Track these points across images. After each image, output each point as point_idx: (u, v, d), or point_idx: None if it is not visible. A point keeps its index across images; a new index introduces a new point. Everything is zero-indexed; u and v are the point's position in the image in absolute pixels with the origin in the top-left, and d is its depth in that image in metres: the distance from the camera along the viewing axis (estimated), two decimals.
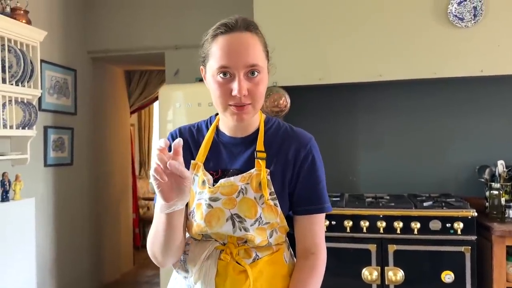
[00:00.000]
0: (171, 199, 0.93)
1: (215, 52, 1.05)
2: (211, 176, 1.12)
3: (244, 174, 1.10)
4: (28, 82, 2.72)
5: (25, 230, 2.77)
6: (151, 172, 0.89)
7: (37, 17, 3.03)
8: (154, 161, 0.89)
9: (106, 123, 4.23)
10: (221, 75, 1.04)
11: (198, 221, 1.10)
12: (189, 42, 3.37)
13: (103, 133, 4.16)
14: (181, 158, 0.91)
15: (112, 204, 4.33)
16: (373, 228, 2.42)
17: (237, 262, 1.09)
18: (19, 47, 2.65)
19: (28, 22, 2.76)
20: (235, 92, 1.02)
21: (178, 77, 3.54)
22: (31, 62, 2.71)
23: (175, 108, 3.07)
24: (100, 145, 4.08)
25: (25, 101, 2.76)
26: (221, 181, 1.10)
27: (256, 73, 1.04)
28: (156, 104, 5.52)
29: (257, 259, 1.11)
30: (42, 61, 3.10)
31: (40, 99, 3.09)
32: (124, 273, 4.49)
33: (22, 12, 2.73)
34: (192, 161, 1.15)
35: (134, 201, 5.19)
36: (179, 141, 0.90)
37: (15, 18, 2.64)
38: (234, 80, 1.03)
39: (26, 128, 2.76)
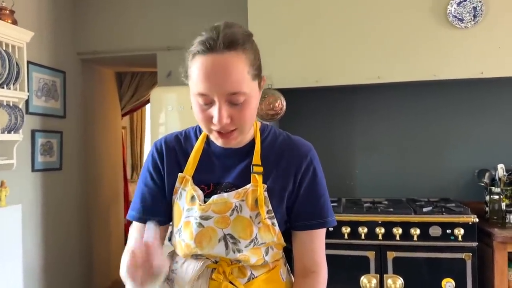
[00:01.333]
0: (145, 285, 0.86)
1: (193, 74, 0.94)
2: (201, 192, 1.02)
3: (239, 190, 1.01)
4: (14, 84, 2.62)
5: (11, 238, 2.67)
6: (123, 271, 0.83)
7: (24, 17, 2.93)
8: (127, 260, 0.83)
9: (97, 126, 4.14)
10: (200, 100, 0.94)
11: (187, 241, 1.01)
12: (181, 43, 3.25)
13: (94, 136, 4.07)
14: (157, 251, 0.84)
15: (103, 209, 4.23)
16: (371, 235, 2.35)
17: (230, 282, 1.00)
18: (4, 48, 2.55)
19: (14, 22, 2.66)
20: (215, 120, 0.92)
21: (171, 79, 3.46)
22: (17, 64, 2.61)
23: (167, 111, 2.99)
24: (90, 149, 3.99)
25: (11, 104, 2.66)
26: (214, 197, 1.00)
27: (240, 99, 0.93)
28: (148, 107, 5.43)
29: (253, 278, 1.02)
30: (29, 62, 3.00)
31: (27, 102, 2.99)
32: (115, 280, 4.38)
33: (7, 12, 2.63)
34: (179, 174, 1.05)
35: (126, 205, 5.08)
36: (152, 242, 0.84)
37: (0, 18, 2.55)
38: (215, 106, 0.92)
39: (12, 132, 2.66)
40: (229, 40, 0.91)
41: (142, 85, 4.94)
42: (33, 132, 3.16)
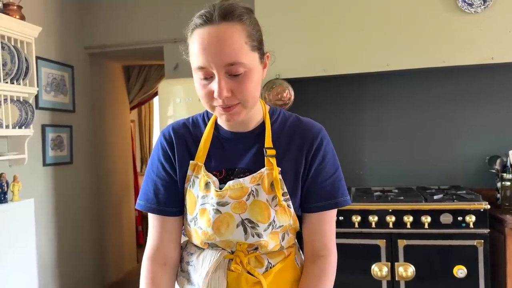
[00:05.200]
0: None
1: (192, 50, 0.95)
2: (216, 178, 1.02)
3: (255, 174, 1.00)
4: (23, 79, 2.64)
5: (25, 232, 2.71)
6: None
7: (31, 13, 2.94)
8: None
9: (106, 120, 4.16)
10: (201, 75, 0.94)
11: (204, 228, 1.01)
12: None
13: (103, 130, 4.09)
14: None
15: (114, 202, 4.27)
16: (382, 223, 2.35)
17: (248, 273, 1.00)
18: (13, 44, 2.57)
19: (22, 17, 2.68)
20: (215, 95, 0.92)
21: (178, 71, 3.46)
22: (26, 59, 2.63)
23: (175, 103, 2.99)
24: (100, 142, 4.01)
25: (21, 100, 2.68)
26: (230, 183, 1.00)
27: (239, 70, 0.92)
28: (156, 99, 5.45)
29: (270, 267, 1.03)
30: (37, 57, 3.02)
31: (36, 97, 3.02)
32: (128, 271, 4.44)
33: (15, 7, 2.64)
34: (191, 161, 1.04)
35: (136, 198, 5.11)
36: None
37: (8, 14, 2.56)
38: (215, 80, 0.92)
39: (23, 127, 2.69)
40: (225, 12, 0.92)
41: (149, 78, 4.94)
42: (43, 127, 3.19)
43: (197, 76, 0.95)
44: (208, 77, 0.93)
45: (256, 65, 0.97)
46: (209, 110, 0.99)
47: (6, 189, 2.62)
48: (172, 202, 1.06)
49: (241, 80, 0.93)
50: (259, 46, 0.98)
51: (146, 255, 1.09)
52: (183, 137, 1.07)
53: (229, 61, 0.91)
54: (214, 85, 0.92)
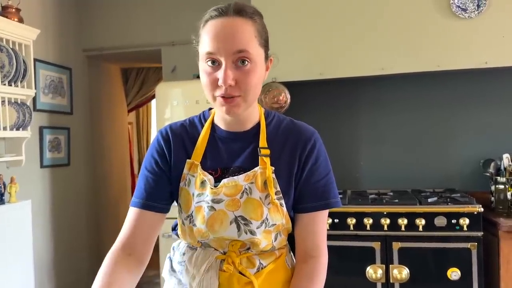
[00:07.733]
0: None
1: (203, 38, 0.98)
2: (211, 176, 1.04)
3: (248, 172, 1.03)
4: (21, 82, 2.66)
5: (22, 233, 2.71)
6: None
7: (29, 15, 2.96)
8: None
9: (103, 122, 4.17)
10: (209, 62, 0.97)
11: (198, 226, 1.03)
12: (185, 38, 3.27)
13: (101, 132, 4.10)
14: None
15: (111, 204, 4.27)
16: (377, 226, 2.36)
17: (240, 273, 1.02)
18: (11, 46, 2.58)
19: (20, 20, 2.70)
20: (220, 82, 0.94)
21: (176, 74, 3.48)
22: (24, 62, 2.65)
23: (172, 105, 3.01)
24: (98, 144, 4.03)
25: (19, 102, 2.70)
26: (224, 181, 1.02)
27: (246, 61, 0.96)
28: (154, 102, 5.47)
29: (262, 267, 1.04)
30: (36, 60, 3.04)
31: (34, 99, 3.03)
32: None
33: (13, 10, 2.66)
34: (187, 160, 1.07)
35: None
36: None
37: (6, 17, 2.58)
38: (221, 68, 0.95)
39: (21, 129, 2.70)
40: (239, 8, 0.99)
41: (147, 81, 4.97)
42: (41, 129, 3.20)
43: (204, 63, 0.98)
44: (215, 65, 0.97)
45: (261, 62, 1.01)
46: (210, 100, 1.01)
47: (3, 190, 2.63)
48: (157, 196, 1.06)
49: (246, 72, 0.96)
50: (266, 45, 1.03)
51: (113, 247, 1.06)
52: (180, 136, 1.09)
53: (238, 48, 0.94)
54: (219, 73, 0.95)
